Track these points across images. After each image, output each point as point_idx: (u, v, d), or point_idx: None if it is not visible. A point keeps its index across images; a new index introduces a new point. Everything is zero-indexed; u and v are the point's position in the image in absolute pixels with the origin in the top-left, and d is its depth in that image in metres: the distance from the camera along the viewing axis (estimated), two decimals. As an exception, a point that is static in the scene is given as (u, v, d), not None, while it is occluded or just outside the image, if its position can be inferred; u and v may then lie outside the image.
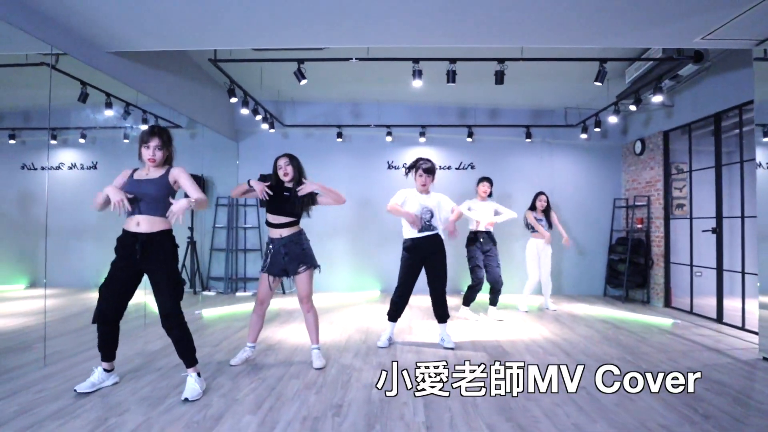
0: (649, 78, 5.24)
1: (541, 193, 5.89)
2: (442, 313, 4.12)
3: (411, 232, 4.02)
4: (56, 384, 2.98)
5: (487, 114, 7.23)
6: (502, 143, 7.18)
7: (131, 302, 3.01)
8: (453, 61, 4.26)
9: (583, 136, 6.66)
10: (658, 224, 6.48)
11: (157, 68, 4.80)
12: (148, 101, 5.40)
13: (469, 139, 6.96)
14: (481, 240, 5.20)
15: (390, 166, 7.26)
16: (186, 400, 2.72)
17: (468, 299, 5.29)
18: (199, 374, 2.89)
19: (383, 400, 2.81)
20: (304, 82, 4.39)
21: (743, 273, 5.12)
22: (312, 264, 3.45)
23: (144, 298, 5.79)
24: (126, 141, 6.47)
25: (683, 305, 6.12)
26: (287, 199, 3.40)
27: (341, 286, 7.16)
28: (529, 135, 6.93)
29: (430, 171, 3.98)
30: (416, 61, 4.24)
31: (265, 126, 6.30)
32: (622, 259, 6.87)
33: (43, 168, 6.38)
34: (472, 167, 7.22)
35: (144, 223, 2.82)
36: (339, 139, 7.01)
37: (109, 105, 5.07)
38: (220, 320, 5.04)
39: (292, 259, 3.39)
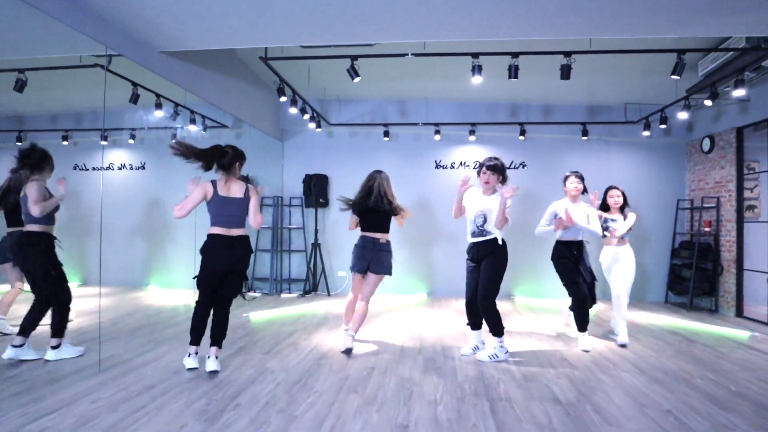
0: (727, 71, 4.80)
1: (613, 187, 4.65)
2: (477, 321, 3.88)
3: (468, 237, 3.81)
4: (112, 393, 2.92)
5: (540, 111, 6.89)
6: (555, 141, 6.83)
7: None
8: (515, 55, 3.99)
9: (646, 133, 6.22)
10: (729, 227, 5.99)
11: (206, 68, 4.75)
12: (197, 101, 5.38)
13: (521, 138, 6.65)
14: (576, 252, 4.24)
15: (438, 166, 7.03)
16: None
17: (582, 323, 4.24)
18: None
19: (451, 420, 2.60)
20: (357, 80, 4.22)
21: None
22: (388, 272, 4.04)
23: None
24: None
25: (757, 315, 5.66)
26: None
27: (388, 288, 6.97)
28: (585, 132, 6.55)
29: (494, 168, 3.69)
30: (476, 56, 3.99)
31: (312, 125, 6.20)
32: (686, 264, 6.41)
33: (94, 168, 6.50)
34: (524, 166, 6.90)
35: (236, 231, 3.42)
36: (386, 138, 6.84)
37: (158, 105, 5.07)
38: (269, 324, 4.96)
39: (375, 261, 3.96)
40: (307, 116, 5.81)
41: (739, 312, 5.85)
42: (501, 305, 5.96)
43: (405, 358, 3.80)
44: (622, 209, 4.65)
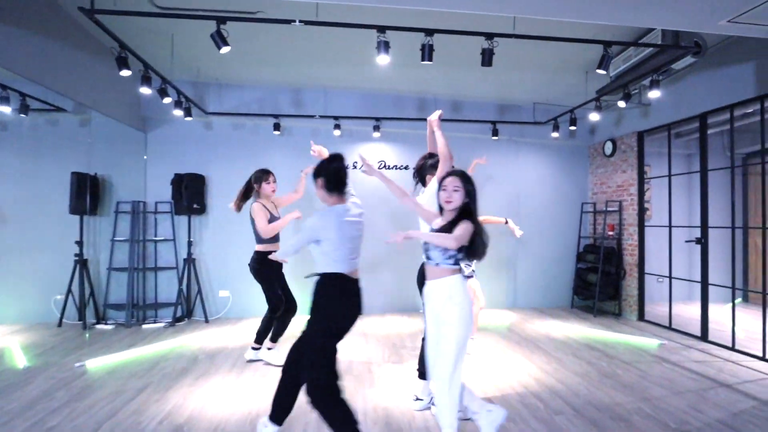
0: (639, 72, 4.56)
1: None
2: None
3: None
4: None
5: (450, 107, 6.31)
6: (465, 140, 6.30)
7: None
8: (430, 32, 3.24)
9: (555, 134, 5.94)
10: (632, 231, 5.94)
11: (8, 23, 3.33)
12: (9, 75, 3.91)
13: (429, 135, 6.01)
14: None
15: (337, 165, 6.13)
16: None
17: None
18: None
19: None
20: (225, 49, 3.15)
21: (734, 288, 4.63)
22: None
23: None
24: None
25: (655, 317, 5.75)
26: None
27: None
28: (495, 132, 6.10)
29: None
30: (382, 30, 3.17)
31: (178, 112, 4.91)
32: (591, 269, 6.29)
33: None
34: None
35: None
36: (276, 132, 5.78)
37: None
38: (111, 376, 3.68)
39: None
40: (168, 100, 4.52)
41: (641, 316, 5.82)
42: (412, 323, 5.28)
43: (294, 422, 2.86)
44: None
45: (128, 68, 3.55)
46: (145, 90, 4.01)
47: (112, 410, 3.02)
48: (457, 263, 2.35)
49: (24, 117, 4.84)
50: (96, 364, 3.94)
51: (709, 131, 5.08)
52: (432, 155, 2.99)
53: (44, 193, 5.36)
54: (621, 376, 3.75)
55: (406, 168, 6.26)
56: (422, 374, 3.06)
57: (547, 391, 3.42)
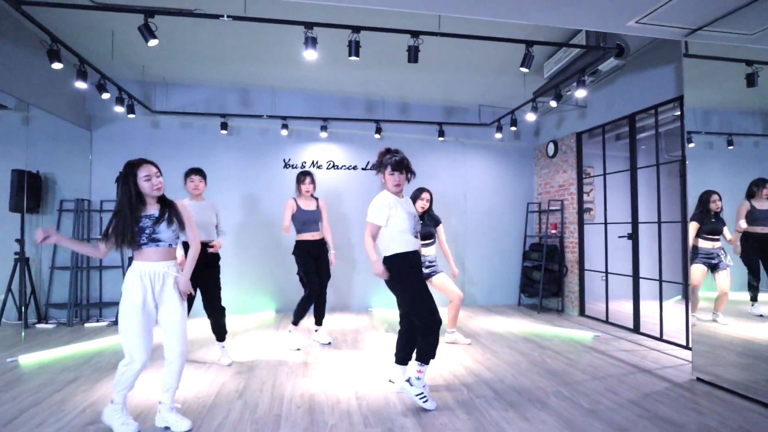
0: (568, 73, 4.81)
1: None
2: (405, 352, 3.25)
3: (403, 245, 2.98)
4: None
5: (397, 108, 6.48)
6: (412, 141, 6.47)
7: None
8: (356, 29, 3.37)
9: (498, 135, 6.16)
10: (572, 229, 6.18)
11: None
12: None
13: (377, 136, 6.15)
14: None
15: (287, 165, 6.20)
16: None
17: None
18: None
19: None
20: (153, 42, 3.21)
21: (661, 281, 4.87)
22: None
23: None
24: None
25: (597, 313, 5.90)
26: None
27: (229, 308, 5.94)
28: (442, 133, 6.29)
29: (401, 165, 3.01)
30: (309, 26, 3.29)
31: (119, 109, 4.90)
32: (536, 267, 6.50)
33: None
34: (381, 167, 6.42)
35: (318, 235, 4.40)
36: (224, 131, 5.82)
37: None
38: (43, 370, 3.64)
39: None
40: (107, 95, 4.52)
41: (582, 311, 6.04)
42: (359, 320, 5.36)
43: (217, 408, 2.90)
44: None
45: (60, 61, 3.56)
46: (80, 84, 4.00)
47: (37, 400, 3.01)
48: None
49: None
50: (29, 359, 3.89)
51: (647, 133, 5.31)
52: (389, 151, 3.09)
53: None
54: (549, 364, 3.90)
55: (354, 168, 6.37)
56: (400, 360, 3.21)
57: (474, 378, 3.54)
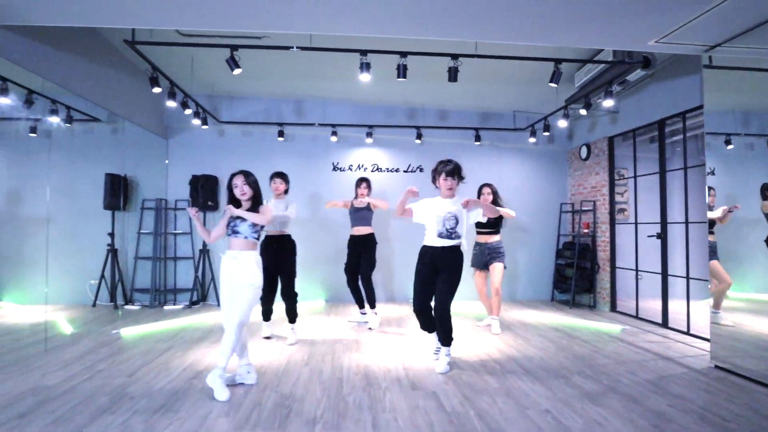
0: (598, 83, 5.18)
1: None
2: (441, 335, 3.72)
3: (430, 239, 3.65)
4: None
5: (436, 115, 7.00)
6: (450, 146, 6.97)
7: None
8: (404, 54, 3.93)
9: (532, 140, 6.57)
10: (604, 229, 6.50)
11: (64, 50, 4.10)
12: (58, 90, 4.68)
13: (418, 141, 6.69)
14: None
15: (335, 168, 6.84)
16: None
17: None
18: None
19: (328, 441, 2.40)
20: (238, 71, 3.88)
21: (688, 278, 5.15)
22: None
23: (48, 315, 5.06)
24: (33, 135, 5.64)
25: (628, 309, 6.15)
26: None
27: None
28: (478, 138, 6.76)
29: (454, 172, 3.62)
30: (364, 53, 3.87)
31: (196, 121, 5.68)
32: (569, 264, 6.85)
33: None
34: (421, 170, 6.96)
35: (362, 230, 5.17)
36: (280, 138, 6.51)
37: (4, 91, 4.30)
38: (141, 341, 4.41)
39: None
40: (189, 111, 5.30)
41: (614, 307, 6.36)
42: (401, 309, 5.91)
43: (289, 373, 3.53)
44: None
45: (159, 86, 4.30)
46: (171, 103, 4.78)
47: (146, 361, 3.74)
48: None
49: (65, 126, 5.63)
50: (128, 333, 4.67)
51: (680, 136, 5.49)
52: (443, 161, 3.72)
53: (83, 191, 6.15)
54: (576, 351, 4.28)
55: (396, 170, 6.94)
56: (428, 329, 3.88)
57: (505, 358, 4.01)
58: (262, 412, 2.75)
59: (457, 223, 3.62)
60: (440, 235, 3.60)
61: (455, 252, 3.62)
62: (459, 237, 3.62)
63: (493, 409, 2.84)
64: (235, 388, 3.15)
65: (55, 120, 5.27)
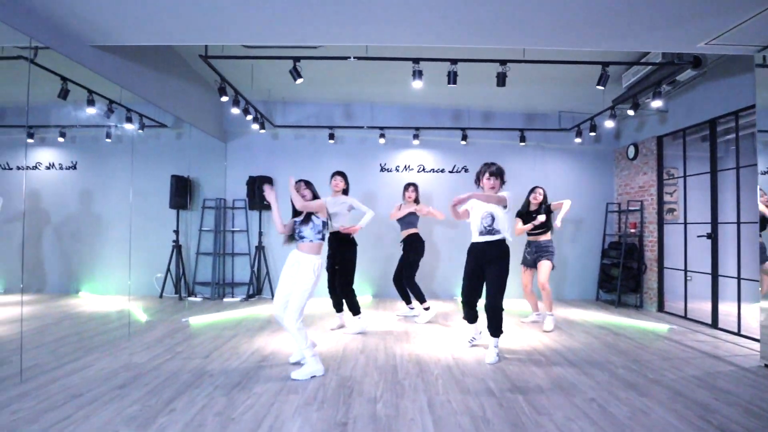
0: (647, 83, 5.20)
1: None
2: (491, 327, 3.89)
3: (474, 236, 3.92)
4: (34, 403, 2.75)
5: (481, 117, 7.15)
6: (495, 146, 7.11)
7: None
8: (454, 62, 4.14)
9: (578, 140, 6.61)
10: (652, 229, 6.47)
11: (142, 64, 4.58)
12: (133, 99, 5.17)
13: (463, 142, 6.87)
14: None
15: (383, 169, 7.12)
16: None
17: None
18: None
19: (390, 417, 2.66)
20: (300, 81, 4.22)
21: (739, 279, 5.09)
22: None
23: (128, 305, 5.58)
24: (108, 140, 6.21)
25: (676, 310, 6.10)
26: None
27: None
28: (523, 138, 6.86)
29: (497, 174, 3.87)
30: (416, 61, 4.11)
31: (255, 126, 6.11)
32: (615, 264, 6.83)
33: (19, 168, 6.08)
34: (466, 170, 7.13)
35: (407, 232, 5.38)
36: (331, 141, 6.85)
37: (91, 102, 4.82)
38: (209, 328, 4.83)
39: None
40: (250, 117, 5.73)
41: (661, 307, 6.32)
42: (445, 305, 6.11)
43: (347, 359, 3.82)
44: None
45: (227, 95, 4.71)
46: (235, 110, 5.20)
47: (216, 345, 4.13)
48: None
49: (141, 132, 6.16)
50: (195, 321, 5.11)
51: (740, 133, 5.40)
52: (488, 163, 3.97)
53: (150, 191, 6.69)
54: (621, 347, 4.35)
55: (442, 171, 7.14)
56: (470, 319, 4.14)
57: (551, 351, 4.16)
58: (327, 391, 3.05)
59: (493, 220, 3.82)
60: (481, 233, 3.86)
61: (499, 246, 3.82)
62: (499, 232, 3.82)
63: (540, 396, 3.02)
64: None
65: (130, 127, 5.80)
